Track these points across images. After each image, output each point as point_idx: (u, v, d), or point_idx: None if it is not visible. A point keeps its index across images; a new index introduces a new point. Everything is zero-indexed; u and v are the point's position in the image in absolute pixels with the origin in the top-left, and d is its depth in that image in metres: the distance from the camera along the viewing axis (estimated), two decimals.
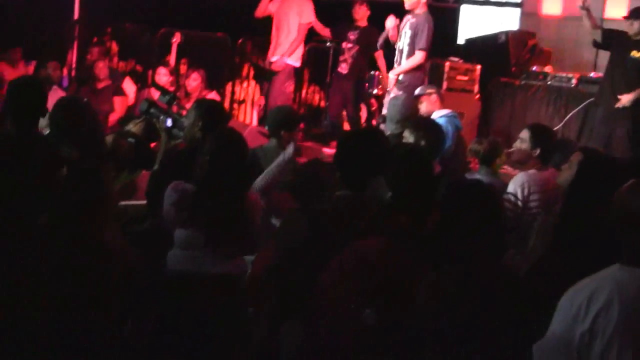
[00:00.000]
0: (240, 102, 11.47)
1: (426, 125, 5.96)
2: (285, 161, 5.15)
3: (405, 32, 8.99)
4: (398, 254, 2.50)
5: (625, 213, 3.19)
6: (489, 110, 11.05)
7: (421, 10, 8.94)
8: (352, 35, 10.25)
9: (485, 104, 11.00)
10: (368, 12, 10.36)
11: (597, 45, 9.09)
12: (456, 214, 3.36)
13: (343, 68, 10.31)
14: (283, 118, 6.00)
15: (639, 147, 8.43)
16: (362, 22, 10.34)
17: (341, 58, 10.37)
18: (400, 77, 8.96)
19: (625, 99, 8.47)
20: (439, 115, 7.44)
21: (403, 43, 9.02)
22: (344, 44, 10.33)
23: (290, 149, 5.18)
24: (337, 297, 2.54)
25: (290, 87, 10.25)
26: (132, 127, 5.93)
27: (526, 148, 5.63)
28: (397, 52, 9.11)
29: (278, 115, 6.07)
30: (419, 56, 8.91)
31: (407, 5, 8.95)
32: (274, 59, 10.13)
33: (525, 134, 5.71)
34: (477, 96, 10.88)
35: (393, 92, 8.96)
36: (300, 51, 10.31)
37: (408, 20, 9.01)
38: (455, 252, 3.29)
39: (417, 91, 8.01)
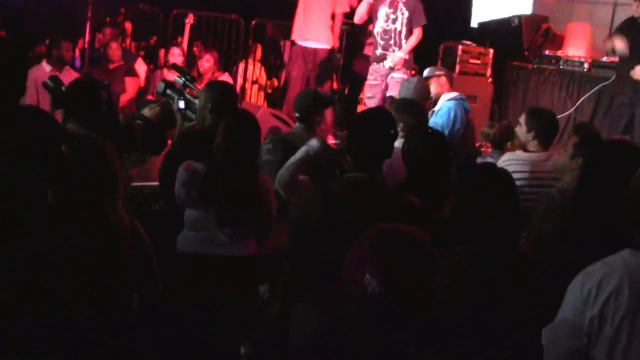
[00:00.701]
0: (253, 83, 11.47)
1: (409, 107, 5.97)
2: (310, 155, 4.89)
3: (402, 13, 9.00)
4: (418, 238, 2.50)
5: (638, 198, 3.19)
6: (502, 94, 11.04)
7: None
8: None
9: (498, 87, 10.99)
10: None
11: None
12: (472, 197, 3.35)
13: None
14: (310, 101, 5.89)
15: None
16: None
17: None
18: (406, 57, 9.01)
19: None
20: (448, 98, 7.38)
21: (399, 24, 9.04)
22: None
23: (314, 142, 4.99)
24: (357, 280, 2.54)
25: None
26: (148, 111, 5.90)
27: (523, 131, 5.63)
28: (391, 33, 9.09)
29: (305, 99, 5.91)
30: (419, 33, 9.03)
31: None
32: (305, 42, 10.00)
33: (522, 118, 5.71)
34: (490, 80, 10.88)
35: (401, 73, 8.96)
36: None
37: (399, 1, 9.03)
38: (471, 236, 3.30)
39: (425, 72, 7.96)
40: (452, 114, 7.12)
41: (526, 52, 11.16)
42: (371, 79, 9.26)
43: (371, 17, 9.39)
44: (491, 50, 10.87)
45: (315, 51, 9.88)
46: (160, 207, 5.46)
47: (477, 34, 11.93)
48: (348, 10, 9.98)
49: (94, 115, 4.80)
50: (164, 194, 4.99)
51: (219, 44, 11.25)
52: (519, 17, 11.69)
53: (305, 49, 9.91)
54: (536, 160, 5.45)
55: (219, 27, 11.46)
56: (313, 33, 9.84)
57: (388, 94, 8.91)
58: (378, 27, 9.19)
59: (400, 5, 9.03)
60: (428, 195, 3.86)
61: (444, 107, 7.18)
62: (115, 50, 10.17)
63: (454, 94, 7.46)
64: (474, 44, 11.02)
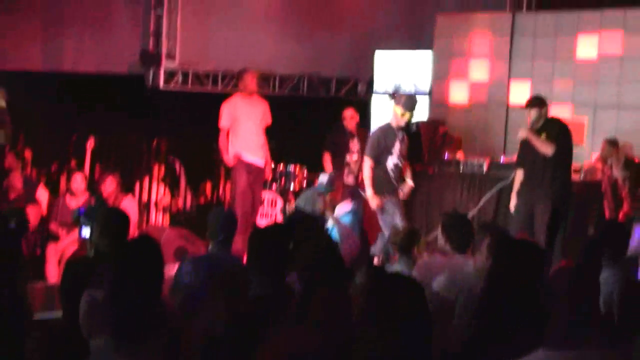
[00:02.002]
0: (155, 204, 11.40)
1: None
2: None
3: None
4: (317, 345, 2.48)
5: (551, 296, 3.22)
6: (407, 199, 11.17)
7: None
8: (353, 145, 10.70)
9: None
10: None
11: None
12: (380, 310, 3.29)
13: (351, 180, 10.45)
14: (223, 221, 5.93)
15: (556, 228, 8.61)
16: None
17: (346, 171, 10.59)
18: None
19: (523, 132, 8.76)
20: (344, 211, 7.37)
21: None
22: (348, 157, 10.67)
23: None
24: None
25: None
26: None
27: (440, 237, 5.73)
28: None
29: (217, 219, 5.95)
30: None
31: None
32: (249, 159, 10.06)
33: (439, 225, 5.82)
34: None
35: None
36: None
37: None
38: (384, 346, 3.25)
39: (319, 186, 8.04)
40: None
41: (426, 157, 11.37)
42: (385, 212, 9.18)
43: None
44: None
45: (257, 167, 10.05)
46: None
47: None
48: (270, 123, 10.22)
49: None
50: (68, 324, 4.89)
51: (120, 165, 11.20)
52: (417, 123, 11.96)
53: (249, 163, 9.99)
54: (455, 263, 5.53)
55: (120, 149, 11.44)
56: (253, 149, 10.03)
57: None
58: (390, 162, 9.24)
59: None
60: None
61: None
62: (17, 178, 10.05)
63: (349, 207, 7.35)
64: None
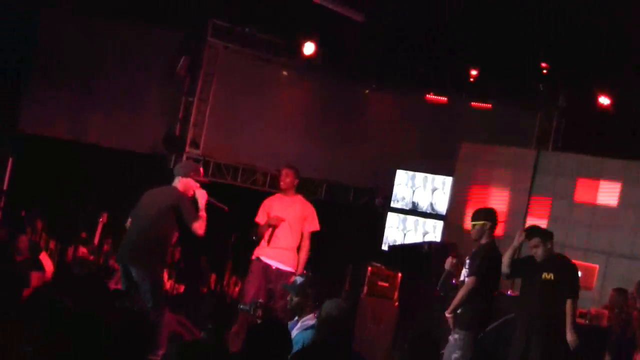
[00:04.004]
0: None
1: None
2: None
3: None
4: None
5: None
6: (408, 318, 11.09)
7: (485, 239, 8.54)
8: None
9: (404, 311, 11.05)
10: None
11: (508, 277, 9.27)
12: None
13: None
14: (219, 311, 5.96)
15: None
16: None
17: None
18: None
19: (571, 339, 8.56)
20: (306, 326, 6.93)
21: (462, 274, 8.60)
22: None
23: None
24: None
25: None
26: None
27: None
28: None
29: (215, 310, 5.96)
30: (469, 282, 8.34)
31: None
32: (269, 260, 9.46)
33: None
34: (396, 303, 10.94)
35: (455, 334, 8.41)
36: None
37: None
38: None
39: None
40: None
41: (434, 279, 11.31)
42: None
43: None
44: (400, 274, 11.00)
45: (278, 270, 9.39)
46: None
47: (387, 257, 12.14)
48: (318, 229, 9.62)
49: None
50: None
51: None
52: (429, 243, 12.00)
53: (267, 265, 9.41)
54: None
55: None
56: (277, 253, 9.43)
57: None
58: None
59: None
60: None
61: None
62: (23, 243, 10.07)
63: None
64: (383, 267, 11.14)
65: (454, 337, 8.15)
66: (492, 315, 8.74)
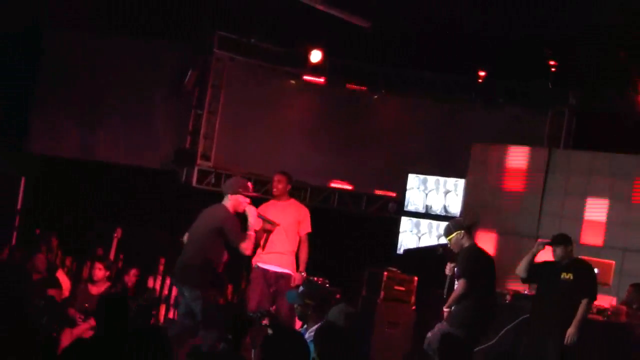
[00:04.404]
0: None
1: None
2: None
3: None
4: None
5: None
6: (425, 321, 11.06)
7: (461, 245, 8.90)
8: None
9: (421, 315, 11.03)
10: None
11: (524, 281, 9.31)
12: None
13: None
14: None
15: None
16: None
17: None
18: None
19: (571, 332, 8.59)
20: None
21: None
22: None
23: None
24: None
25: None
26: None
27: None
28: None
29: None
30: (460, 285, 8.73)
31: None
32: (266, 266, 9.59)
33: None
34: (413, 307, 10.93)
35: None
36: None
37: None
38: None
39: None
40: None
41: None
42: None
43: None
44: (416, 278, 10.98)
45: (276, 274, 9.53)
46: None
47: (402, 261, 12.11)
48: (310, 230, 9.73)
49: None
50: None
51: (146, 258, 11.22)
52: (444, 245, 11.93)
53: (266, 270, 9.55)
54: None
55: (145, 242, 11.47)
56: (273, 257, 9.53)
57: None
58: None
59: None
60: None
61: None
62: (41, 260, 10.11)
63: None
64: (399, 271, 11.13)
65: (440, 328, 8.48)
66: (490, 312, 8.88)
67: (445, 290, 9.03)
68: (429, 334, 8.65)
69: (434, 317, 10.86)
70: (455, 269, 8.75)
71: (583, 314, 8.61)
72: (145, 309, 6.95)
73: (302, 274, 9.56)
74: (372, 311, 10.67)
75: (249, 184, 8.67)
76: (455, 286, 8.77)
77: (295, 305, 7.15)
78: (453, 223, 9.04)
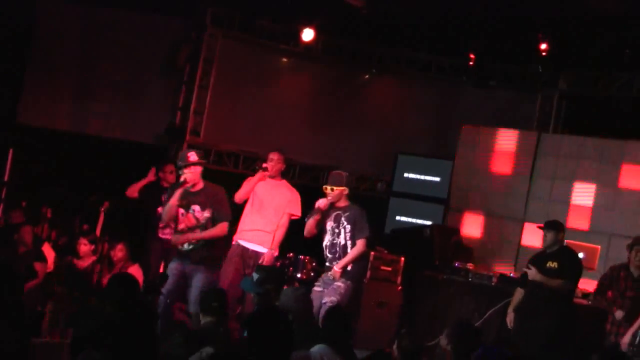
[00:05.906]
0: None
1: None
2: None
3: (344, 227, 8.80)
4: None
5: None
6: (412, 302, 11.12)
7: (346, 202, 8.93)
8: None
9: (407, 295, 11.08)
10: None
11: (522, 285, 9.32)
12: None
13: None
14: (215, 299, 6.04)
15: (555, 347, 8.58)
16: None
17: None
18: (348, 268, 8.71)
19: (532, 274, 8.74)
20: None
21: (343, 238, 8.94)
22: None
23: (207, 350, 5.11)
24: None
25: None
26: None
27: (446, 346, 5.74)
28: (336, 247, 8.84)
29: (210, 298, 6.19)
30: (360, 246, 8.74)
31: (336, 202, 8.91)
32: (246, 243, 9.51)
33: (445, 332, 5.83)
34: (400, 287, 10.97)
35: (340, 281, 8.65)
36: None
37: (341, 215, 8.88)
38: None
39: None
40: None
41: (437, 262, 11.35)
42: (317, 285, 8.89)
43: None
44: (402, 259, 11.02)
45: (256, 254, 9.46)
46: None
47: (390, 240, 12.14)
48: (299, 215, 9.62)
49: None
50: None
51: (132, 232, 11.18)
52: (431, 227, 11.98)
53: (244, 248, 9.49)
54: None
55: (133, 216, 11.44)
56: (257, 235, 9.50)
57: (323, 300, 8.62)
58: (326, 240, 8.91)
59: (342, 219, 8.82)
60: None
61: None
62: (26, 234, 10.06)
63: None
64: (386, 251, 11.16)
65: (337, 285, 8.57)
66: None
67: None
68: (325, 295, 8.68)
69: (421, 296, 10.97)
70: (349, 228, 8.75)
71: (555, 287, 8.65)
72: (153, 285, 7.03)
73: (273, 252, 9.50)
74: (360, 291, 10.70)
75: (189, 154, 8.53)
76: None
77: (253, 296, 7.05)
78: (347, 177, 8.97)
